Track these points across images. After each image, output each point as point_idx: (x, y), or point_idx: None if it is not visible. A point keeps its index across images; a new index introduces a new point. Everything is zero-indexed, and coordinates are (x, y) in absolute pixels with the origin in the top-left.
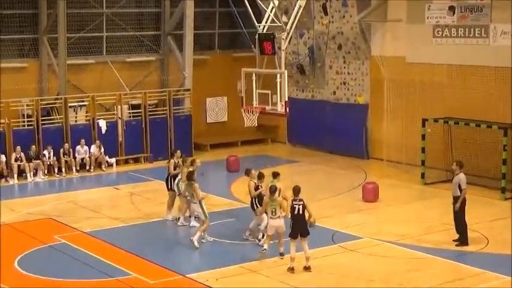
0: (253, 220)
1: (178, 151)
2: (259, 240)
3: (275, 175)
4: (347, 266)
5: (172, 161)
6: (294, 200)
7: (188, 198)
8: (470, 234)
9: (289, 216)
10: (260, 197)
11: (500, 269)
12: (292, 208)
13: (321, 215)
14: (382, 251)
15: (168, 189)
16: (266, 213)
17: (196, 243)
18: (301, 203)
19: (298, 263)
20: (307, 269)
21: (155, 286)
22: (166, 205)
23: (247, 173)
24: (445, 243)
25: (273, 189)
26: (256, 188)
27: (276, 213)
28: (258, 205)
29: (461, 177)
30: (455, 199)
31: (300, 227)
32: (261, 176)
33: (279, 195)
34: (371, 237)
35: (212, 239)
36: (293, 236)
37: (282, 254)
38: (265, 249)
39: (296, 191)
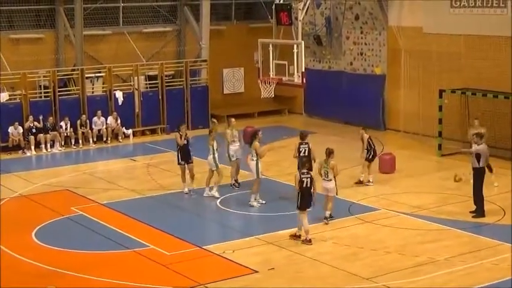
0: None
1: (185, 125)
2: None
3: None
4: (364, 237)
5: (177, 134)
6: (302, 173)
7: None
8: (486, 206)
9: (298, 188)
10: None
11: None
12: (301, 181)
13: (337, 186)
14: (398, 222)
15: (178, 163)
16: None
17: (255, 203)
18: (309, 175)
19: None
20: (308, 241)
21: (172, 257)
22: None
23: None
24: (461, 214)
25: (328, 152)
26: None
27: (328, 176)
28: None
29: (482, 148)
30: (474, 170)
31: (308, 199)
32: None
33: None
34: (387, 208)
35: (264, 202)
36: (303, 208)
37: (330, 216)
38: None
39: (303, 163)
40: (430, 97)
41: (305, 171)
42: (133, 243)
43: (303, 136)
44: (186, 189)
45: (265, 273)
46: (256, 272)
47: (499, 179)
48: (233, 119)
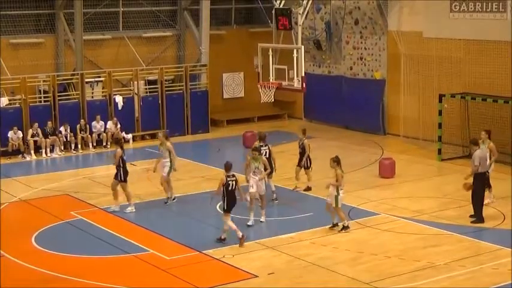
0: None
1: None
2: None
3: None
4: (364, 242)
5: (119, 150)
6: (228, 176)
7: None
8: (486, 210)
9: (220, 191)
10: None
11: None
12: (227, 184)
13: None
14: (398, 227)
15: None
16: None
17: (262, 218)
18: (234, 178)
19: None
20: (242, 238)
21: (172, 262)
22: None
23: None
24: (461, 219)
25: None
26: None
27: None
28: None
29: (475, 154)
30: (474, 176)
31: (234, 201)
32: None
33: None
34: (387, 213)
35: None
36: (230, 210)
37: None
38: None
39: (229, 167)
40: (430, 102)
41: (231, 174)
42: (133, 247)
43: (262, 137)
44: (116, 207)
45: (265, 277)
46: (256, 276)
47: (498, 183)
48: (160, 134)
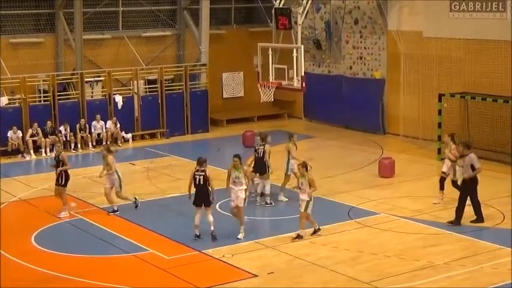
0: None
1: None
2: None
3: None
4: (363, 241)
5: (63, 154)
6: (197, 170)
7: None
8: (486, 210)
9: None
10: None
11: None
12: (194, 178)
13: (337, 191)
14: (398, 226)
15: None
16: None
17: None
18: (203, 173)
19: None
20: (213, 236)
21: (171, 262)
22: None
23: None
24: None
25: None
26: None
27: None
28: None
29: (472, 156)
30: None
31: (202, 196)
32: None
33: None
34: (387, 212)
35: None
36: (196, 204)
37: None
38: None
39: (200, 162)
40: (430, 101)
41: (199, 169)
42: (133, 247)
43: (262, 137)
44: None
45: (265, 277)
46: (256, 276)
47: (498, 183)
48: (102, 147)
